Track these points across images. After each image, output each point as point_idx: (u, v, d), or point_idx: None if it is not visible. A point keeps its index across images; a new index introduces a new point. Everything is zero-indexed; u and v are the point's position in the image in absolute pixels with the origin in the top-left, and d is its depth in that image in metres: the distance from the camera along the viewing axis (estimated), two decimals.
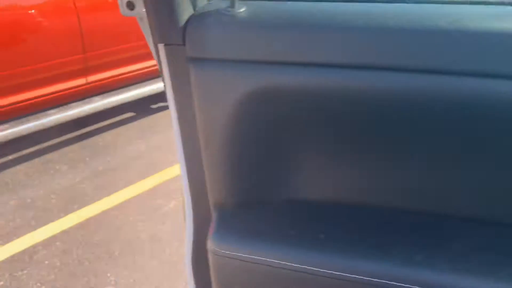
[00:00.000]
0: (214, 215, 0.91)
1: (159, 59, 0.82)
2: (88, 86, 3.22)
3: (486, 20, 0.70)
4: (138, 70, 3.48)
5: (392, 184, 0.84)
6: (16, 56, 2.85)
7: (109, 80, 3.33)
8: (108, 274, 2.10)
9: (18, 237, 2.37)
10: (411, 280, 0.76)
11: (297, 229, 0.87)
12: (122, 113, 3.77)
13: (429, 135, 0.77)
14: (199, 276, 0.98)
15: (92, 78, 3.22)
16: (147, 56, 3.43)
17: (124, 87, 3.43)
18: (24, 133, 2.93)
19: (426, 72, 0.71)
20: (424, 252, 0.79)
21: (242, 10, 0.78)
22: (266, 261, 0.83)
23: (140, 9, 0.81)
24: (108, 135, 3.50)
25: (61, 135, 3.43)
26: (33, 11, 2.85)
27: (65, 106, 3.13)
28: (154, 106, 3.92)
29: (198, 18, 0.79)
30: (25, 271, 2.14)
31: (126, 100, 3.40)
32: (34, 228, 2.44)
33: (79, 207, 2.61)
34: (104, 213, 2.56)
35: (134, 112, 3.82)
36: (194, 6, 0.80)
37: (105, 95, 3.31)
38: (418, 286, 0.75)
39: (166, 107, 3.98)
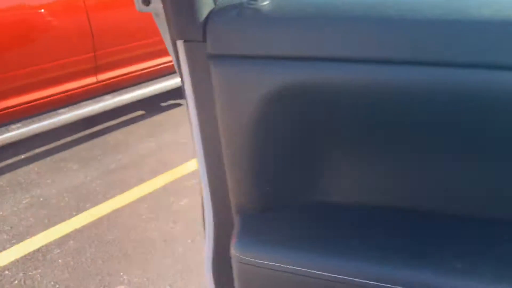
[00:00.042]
0: (237, 220, 0.86)
1: (177, 56, 0.79)
2: (98, 84, 3.22)
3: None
4: (148, 68, 3.47)
5: (429, 187, 0.78)
6: (26, 55, 2.85)
7: (119, 78, 3.33)
8: (121, 273, 2.10)
9: (31, 236, 2.38)
10: None
11: (328, 234, 0.81)
12: (132, 111, 3.77)
13: (472, 134, 0.72)
14: (220, 285, 0.93)
15: (102, 76, 3.22)
16: (157, 54, 3.42)
17: (134, 85, 3.43)
18: (36, 132, 2.94)
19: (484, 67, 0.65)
20: (467, 259, 0.73)
21: (266, 3, 0.74)
22: (296, 270, 0.78)
23: (156, 4, 0.77)
24: (118, 133, 3.50)
25: (72, 134, 3.44)
26: (42, 10, 2.85)
27: (75, 105, 3.13)
28: (164, 104, 3.91)
29: (219, 12, 0.74)
30: (39, 270, 2.14)
31: (137, 98, 3.40)
32: (47, 227, 2.45)
33: (92, 206, 2.62)
34: (116, 211, 2.56)
35: (144, 110, 3.81)
36: (215, 0, 0.76)
37: (115, 93, 3.31)
38: None
39: (176, 105, 4.00)
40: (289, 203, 0.85)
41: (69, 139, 3.40)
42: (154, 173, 2.92)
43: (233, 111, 0.78)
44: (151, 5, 0.78)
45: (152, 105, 3.83)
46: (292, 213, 0.85)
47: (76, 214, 2.55)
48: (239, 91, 0.76)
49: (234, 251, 0.82)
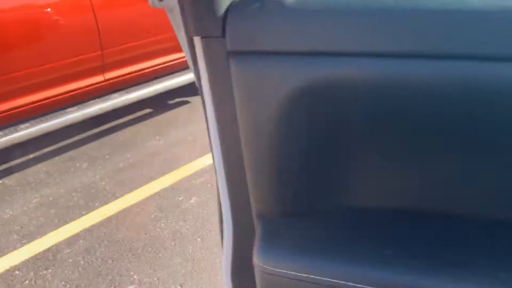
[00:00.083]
0: (258, 226, 0.82)
1: (193, 53, 0.75)
2: (106, 83, 3.22)
3: None
4: (156, 66, 3.46)
5: (466, 190, 0.73)
6: (33, 55, 2.85)
7: (127, 76, 3.32)
8: (132, 273, 2.10)
9: (41, 235, 2.39)
10: None
11: (358, 242, 0.76)
12: (140, 110, 3.77)
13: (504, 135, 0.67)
14: None
15: (110, 75, 3.22)
16: (165, 52, 3.42)
17: (142, 83, 3.42)
18: (44, 131, 2.95)
19: None
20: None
21: None
22: (324, 280, 0.73)
23: None
24: (127, 132, 3.50)
25: (80, 133, 3.44)
26: (49, 9, 2.85)
27: (83, 104, 3.13)
28: (171, 102, 3.91)
29: (239, 6, 0.70)
30: (49, 270, 2.14)
31: (144, 96, 3.40)
32: (57, 226, 2.45)
33: (101, 205, 2.62)
34: (126, 210, 2.56)
35: (151, 108, 3.81)
36: None
37: (123, 91, 3.31)
38: None
39: (183, 103, 3.99)
40: (312, 208, 0.81)
41: (77, 138, 3.40)
42: (163, 172, 2.91)
43: (254, 110, 0.74)
44: (165, 1, 0.74)
45: (160, 103, 3.83)
46: (317, 218, 0.80)
47: (85, 214, 2.55)
48: (261, 89, 0.72)
49: (257, 260, 0.77)
